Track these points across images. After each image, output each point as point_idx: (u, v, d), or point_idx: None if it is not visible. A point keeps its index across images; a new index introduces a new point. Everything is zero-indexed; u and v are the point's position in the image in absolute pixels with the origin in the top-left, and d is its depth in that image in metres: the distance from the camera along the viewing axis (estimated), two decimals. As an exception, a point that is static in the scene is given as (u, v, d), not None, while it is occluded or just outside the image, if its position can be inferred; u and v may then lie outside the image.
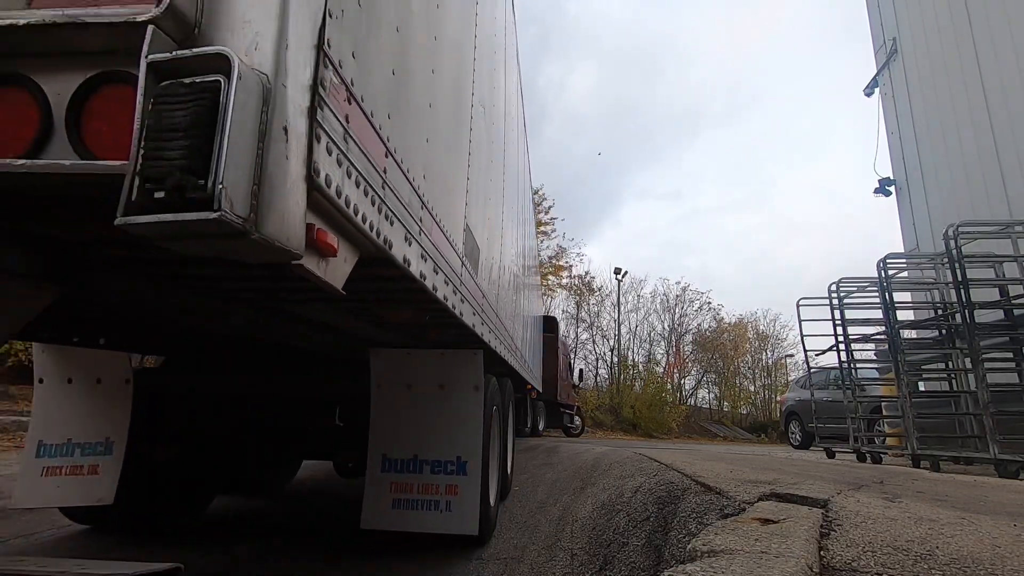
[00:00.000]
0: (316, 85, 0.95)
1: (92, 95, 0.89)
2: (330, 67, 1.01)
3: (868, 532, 1.63)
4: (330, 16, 0.99)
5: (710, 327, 33.98)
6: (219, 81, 0.76)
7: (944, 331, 6.49)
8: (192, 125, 0.74)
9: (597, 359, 30.93)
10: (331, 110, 1.01)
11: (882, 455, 6.81)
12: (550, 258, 27.60)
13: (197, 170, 0.73)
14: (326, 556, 2.87)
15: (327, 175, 0.99)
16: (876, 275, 6.38)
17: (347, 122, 1.09)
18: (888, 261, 6.36)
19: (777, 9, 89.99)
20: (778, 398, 25.93)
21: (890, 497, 2.28)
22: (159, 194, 0.74)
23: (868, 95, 10.12)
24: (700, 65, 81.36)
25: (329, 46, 0.99)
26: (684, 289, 33.61)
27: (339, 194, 1.04)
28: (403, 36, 1.47)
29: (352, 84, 1.12)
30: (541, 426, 14.37)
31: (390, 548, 2.98)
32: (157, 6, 0.81)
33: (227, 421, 3.32)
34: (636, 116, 74.76)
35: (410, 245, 1.48)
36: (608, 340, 31.24)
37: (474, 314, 2.58)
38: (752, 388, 35.26)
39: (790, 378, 27.42)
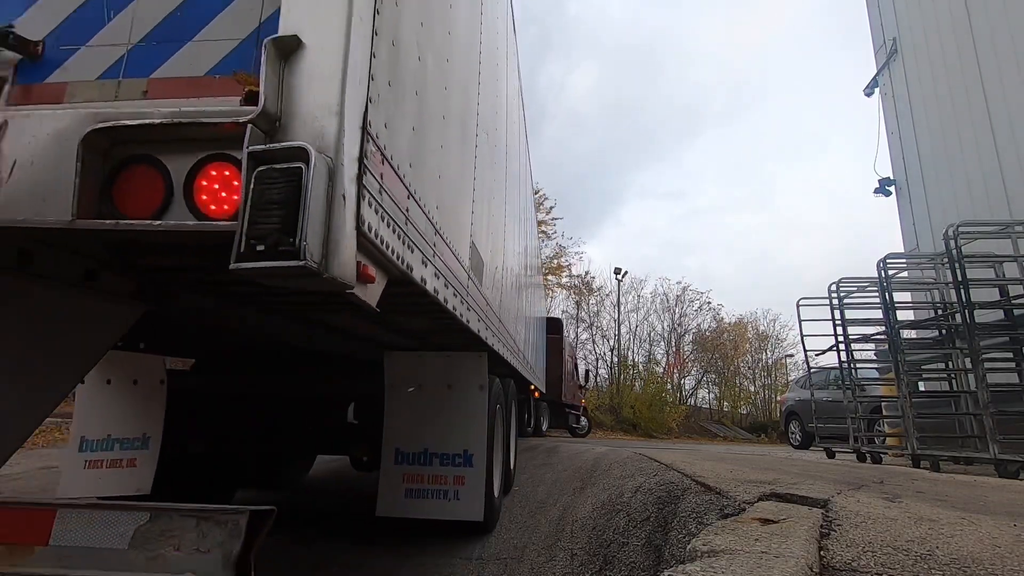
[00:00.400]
0: (362, 157, 1.21)
1: (202, 171, 1.21)
2: (370, 140, 1.27)
3: (868, 532, 1.63)
4: (370, 102, 1.25)
5: (710, 327, 33.98)
6: (300, 168, 1.05)
7: (944, 331, 6.49)
8: (284, 201, 1.04)
9: (597, 359, 30.93)
10: (371, 174, 1.27)
11: (882, 455, 6.80)
12: (550, 258, 27.62)
13: (288, 231, 1.02)
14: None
15: (369, 223, 1.24)
16: (876, 275, 6.38)
17: (382, 179, 1.35)
18: (888, 261, 6.36)
19: (779, 8, 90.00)
20: (778, 398, 25.93)
21: (890, 497, 2.28)
22: (260, 247, 1.03)
23: (868, 95, 10.12)
24: (701, 64, 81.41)
25: (370, 125, 1.25)
26: (684, 289, 33.62)
27: (376, 236, 1.30)
28: (421, 98, 1.74)
29: (384, 148, 1.38)
30: (545, 426, 14.38)
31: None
32: (252, 104, 1.12)
33: (250, 419, 3.52)
34: (637, 115, 74.85)
35: (426, 267, 1.74)
36: (608, 340, 31.25)
37: (479, 320, 2.83)
38: (752, 388, 35.26)
39: (790, 378, 27.42)
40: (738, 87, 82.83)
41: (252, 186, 1.06)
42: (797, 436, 11.70)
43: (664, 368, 32.35)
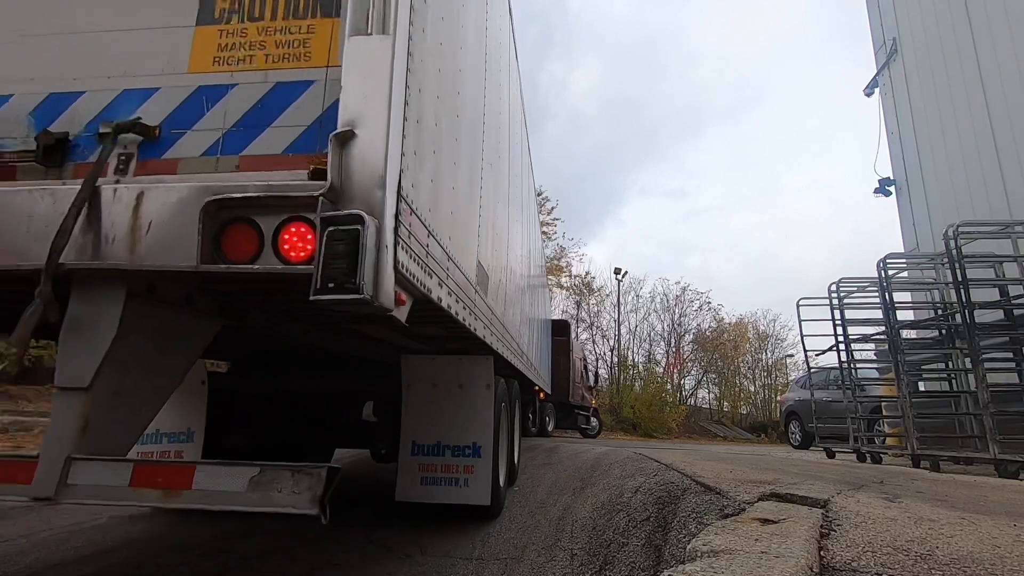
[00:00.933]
0: (397, 214, 1.61)
1: (285, 228, 1.62)
2: (403, 200, 1.65)
3: (868, 532, 1.63)
4: (402, 172, 1.64)
5: (710, 327, 33.96)
6: (359, 229, 1.45)
7: (944, 331, 6.48)
8: (347, 253, 1.45)
9: (597, 359, 30.87)
10: (403, 225, 1.66)
11: (882, 455, 6.80)
12: (551, 259, 27.59)
13: (351, 275, 1.43)
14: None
15: (402, 262, 1.63)
16: (876, 275, 6.38)
17: (410, 227, 1.74)
18: (888, 261, 6.36)
19: (786, 5, 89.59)
20: (778, 398, 25.93)
21: (890, 497, 2.28)
22: (331, 285, 1.44)
23: (868, 95, 10.11)
24: (705, 61, 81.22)
25: (402, 189, 1.65)
26: (684, 289, 33.60)
27: (407, 270, 1.68)
28: (437, 155, 2.14)
29: (412, 203, 1.76)
30: (551, 427, 14.35)
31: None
32: (317, 179, 1.58)
33: (281, 415, 3.92)
34: (640, 113, 74.74)
35: (441, 287, 2.12)
36: (608, 340, 31.24)
37: (485, 327, 3.17)
38: (752, 388, 35.25)
39: (790, 378, 27.41)
40: (742, 84, 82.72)
41: (324, 242, 1.48)
42: (797, 436, 11.69)
43: (664, 368, 32.34)
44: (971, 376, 5.29)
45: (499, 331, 3.84)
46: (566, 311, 29.99)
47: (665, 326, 33.40)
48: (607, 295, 31.61)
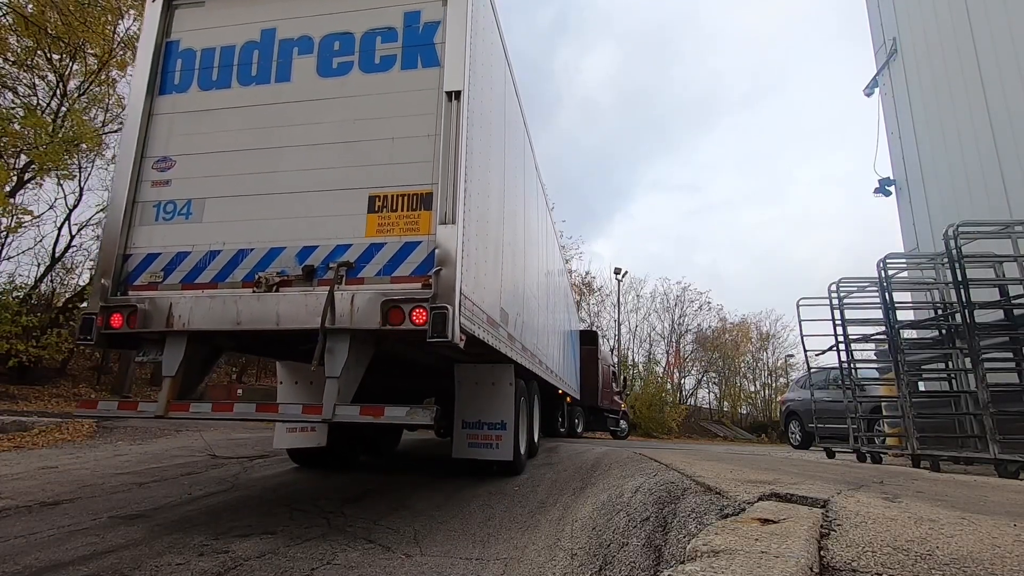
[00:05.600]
0: (459, 301, 3.35)
1: (415, 310, 3.33)
2: (462, 294, 3.39)
3: (868, 532, 1.63)
4: (462, 279, 3.41)
5: (711, 327, 33.94)
6: (447, 312, 3.25)
7: (944, 331, 6.48)
8: (442, 320, 3.24)
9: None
10: (463, 304, 3.41)
11: (882, 455, 6.80)
12: (550, 258, 27.54)
13: (445, 330, 3.22)
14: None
15: (462, 322, 3.39)
16: (876, 275, 6.38)
17: (464, 304, 3.45)
18: (888, 261, 6.36)
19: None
20: (778, 398, 25.91)
21: (890, 497, 2.28)
22: (435, 334, 3.21)
23: (868, 95, 10.11)
24: (721, 49, 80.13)
25: (462, 287, 3.41)
26: (684, 289, 33.61)
27: (464, 325, 3.42)
28: (478, 265, 3.91)
29: (464, 293, 3.45)
30: (580, 428, 14.57)
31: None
32: (427, 288, 3.38)
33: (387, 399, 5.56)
34: (653, 101, 74.29)
35: (479, 328, 3.85)
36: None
37: (507, 346, 4.89)
38: (752, 388, 35.24)
39: (791, 378, 27.39)
40: (759, 71, 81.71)
41: (432, 317, 3.22)
42: (797, 436, 11.69)
43: (664, 368, 32.33)
44: (971, 376, 5.29)
45: (517, 347, 5.41)
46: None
47: (665, 326, 33.42)
48: (607, 295, 31.62)
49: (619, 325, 29.20)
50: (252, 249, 3.70)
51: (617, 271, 28.00)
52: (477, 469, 5.41)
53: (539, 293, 7.57)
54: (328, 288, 3.39)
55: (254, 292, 3.55)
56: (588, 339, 14.65)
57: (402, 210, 3.54)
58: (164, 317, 3.64)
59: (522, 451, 5.81)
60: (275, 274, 3.57)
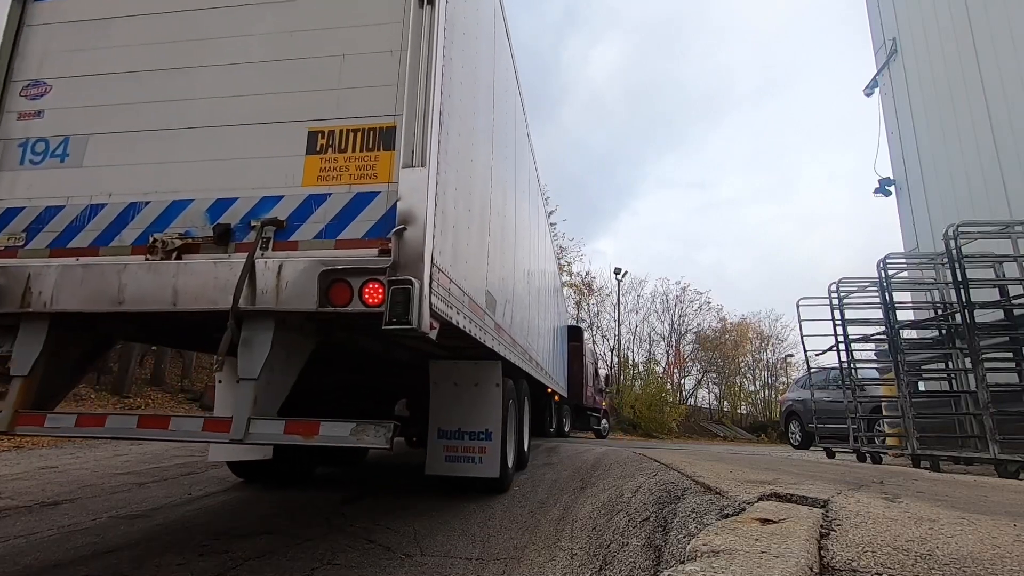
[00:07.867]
0: (431, 275, 2.43)
1: (366, 285, 2.39)
2: (434, 265, 2.48)
3: (868, 532, 1.63)
4: (434, 247, 2.49)
5: (711, 327, 33.96)
6: (410, 288, 2.30)
7: (944, 331, 6.49)
8: (404, 302, 2.29)
9: (597, 359, 30.93)
10: (434, 279, 2.49)
11: (882, 455, 6.80)
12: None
13: (407, 314, 2.28)
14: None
15: (433, 303, 2.46)
16: (876, 275, 6.38)
17: (438, 280, 2.56)
18: (888, 261, 6.36)
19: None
20: (778, 398, 25.92)
21: (890, 497, 2.28)
22: (394, 319, 2.28)
23: (868, 95, 10.12)
24: (729, 42, 79.62)
25: (434, 258, 2.49)
26: (684, 289, 33.62)
27: (436, 307, 2.52)
28: (455, 228, 3.01)
29: (439, 264, 2.57)
30: (567, 428, 14.51)
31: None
32: (384, 255, 2.44)
33: (337, 406, 4.62)
34: (660, 95, 73.81)
35: (459, 314, 2.98)
36: (608, 340, 31.26)
37: (493, 339, 3.95)
38: (752, 388, 35.25)
39: (791, 378, 27.41)
40: (769, 65, 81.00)
41: (390, 294, 2.32)
42: (797, 436, 11.70)
43: (664, 368, 32.35)
44: (971, 376, 5.29)
45: (506, 341, 4.55)
46: (566, 311, 30.00)
47: (665, 326, 33.44)
48: (607, 295, 31.64)
49: (619, 325, 29.23)
50: (148, 203, 2.80)
51: (617, 271, 28.02)
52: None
53: (531, 276, 6.59)
54: (248, 254, 2.54)
55: (147, 260, 2.67)
56: (574, 335, 14.54)
57: (353, 150, 2.68)
58: (18, 294, 2.67)
59: (510, 464, 4.75)
60: (176, 236, 2.70)
